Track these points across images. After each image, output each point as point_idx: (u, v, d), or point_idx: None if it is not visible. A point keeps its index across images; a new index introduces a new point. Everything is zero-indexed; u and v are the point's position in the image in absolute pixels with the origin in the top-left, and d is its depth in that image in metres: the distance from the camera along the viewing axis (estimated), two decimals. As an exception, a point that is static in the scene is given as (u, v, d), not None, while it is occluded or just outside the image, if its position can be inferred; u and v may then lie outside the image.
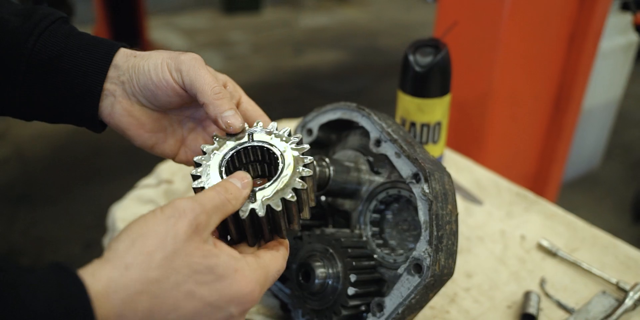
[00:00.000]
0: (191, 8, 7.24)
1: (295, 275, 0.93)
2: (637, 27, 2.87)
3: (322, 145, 1.05)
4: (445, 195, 0.85)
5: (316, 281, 0.89)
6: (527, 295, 1.11)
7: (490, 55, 1.65)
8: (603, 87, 3.07)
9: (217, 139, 0.76)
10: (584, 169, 3.69)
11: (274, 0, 7.76)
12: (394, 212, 0.98)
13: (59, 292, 0.51)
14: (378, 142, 0.91)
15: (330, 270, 0.90)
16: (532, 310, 1.07)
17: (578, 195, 3.50)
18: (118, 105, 0.79)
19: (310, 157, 0.73)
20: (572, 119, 1.98)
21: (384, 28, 7.23)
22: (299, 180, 0.69)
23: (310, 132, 1.02)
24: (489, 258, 1.24)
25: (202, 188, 0.70)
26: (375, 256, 0.94)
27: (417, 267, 0.85)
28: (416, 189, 0.85)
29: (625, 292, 1.10)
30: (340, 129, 1.03)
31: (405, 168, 0.87)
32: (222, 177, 0.71)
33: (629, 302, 1.08)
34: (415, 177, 0.86)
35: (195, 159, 0.73)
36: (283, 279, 0.99)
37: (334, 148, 1.05)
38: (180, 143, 0.87)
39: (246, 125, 0.78)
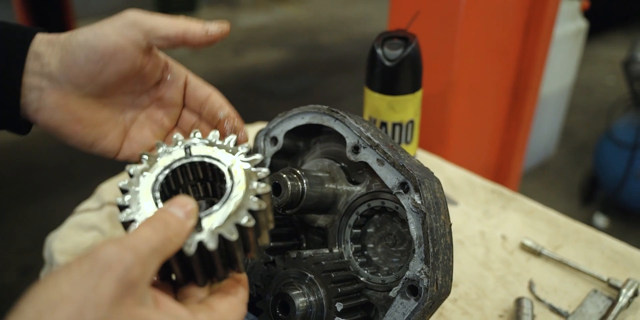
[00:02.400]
0: (122, 10, 6.90)
1: (271, 307, 0.80)
2: (585, 13, 2.91)
3: (288, 154, 0.92)
4: (438, 204, 0.75)
5: (297, 313, 0.77)
6: (518, 302, 1.03)
7: (449, 46, 1.58)
8: (556, 74, 3.09)
9: (146, 157, 0.62)
10: (540, 157, 3.74)
11: (210, 0, 7.53)
12: (376, 226, 0.87)
13: None
14: (356, 149, 0.79)
15: (312, 299, 0.79)
16: (527, 318, 1.00)
17: (529, 183, 3.54)
18: (48, 98, 0.67)
19: (265, 170, 0.61)
20: (531, 108, 1.95)
21: (324, 24, 7.16)
22: (255, 199, 0.57)
23: (274, 140, 0.89)
24: (472, 264, 1.16)
25: (133, 221, 0.56)
26: (362, 279, 0.83)
27: (413, 289, 0.74)
28: (405, 200, 0.75)
29: (618, 290, 1.04)
30: (308, 135, 0.91)
31: (390, 176, 0.76)
32: (157, 206, 0.57)
33: (623, 300, 1.02)
34: (403, 186, 0.75)
35: (120, 184, 0.59)
36: (257, 310, 0.86)
37: (303, 157, 0.93)
38: (123, 136, 0.74)
39: (181, 136, 0.65)
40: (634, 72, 2.99)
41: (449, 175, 1.41)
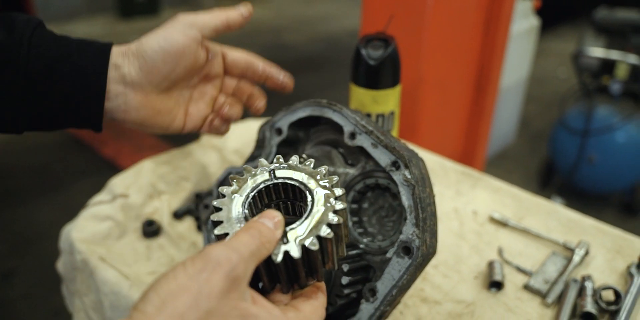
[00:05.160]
0: (84, 14, 6.85)
1: (287, 272, 0.94)
2: (537, 11, 3.14)
3: (291, 143, 1.06)
4: (424, 179, 0.91)
5: (309, 275, 0.91)
6: (490, 264, 1.20)
7: (417, 45, 1.74)
8: (513, 67, 3.32)
9: (235, 180, 0.70)
10: (501, 145, 3.97)
11: (172, 2, 7.54)
12: (371, 201, 1.02)
13: None
14: (353, 135, 0.94)
15: (321, 263, 0.93)
16: (498, 277, 1.16)
17: (492, 169, 3.77)
18: (133, 101, 0.81)
19: (341, 189, 0.67)
20: (492, 99, 2.14)
21: (287, 24, 7.28)
22: (333, 214, 0.64)
23: (279, 131, 1.03)
24: (448, 235, 1.32)
25: (226, 234, 0.63)
26: (361, 246, 0.98)
27: (406, 250, 0.89)
28: (397, 176, 0.90)
29: (572, 251, 1.23)
30: (307, 126, 1.05)
31: (383, 157, 0.91)
32: (246, 220, 0.65)
33: (576, 258, 1.21)
34: (395, 164, 0.90)
35: (215, 203, 0.67)
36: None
37: (303, 145, 1.07)
38: (185, 114, 0.90)
39: (265, 162, 0.73)
40: (582, 64, 3.24)
41: (423, 159, 1.57)
